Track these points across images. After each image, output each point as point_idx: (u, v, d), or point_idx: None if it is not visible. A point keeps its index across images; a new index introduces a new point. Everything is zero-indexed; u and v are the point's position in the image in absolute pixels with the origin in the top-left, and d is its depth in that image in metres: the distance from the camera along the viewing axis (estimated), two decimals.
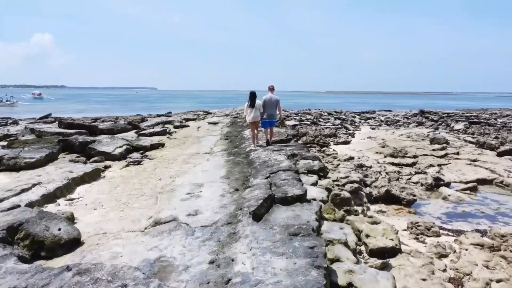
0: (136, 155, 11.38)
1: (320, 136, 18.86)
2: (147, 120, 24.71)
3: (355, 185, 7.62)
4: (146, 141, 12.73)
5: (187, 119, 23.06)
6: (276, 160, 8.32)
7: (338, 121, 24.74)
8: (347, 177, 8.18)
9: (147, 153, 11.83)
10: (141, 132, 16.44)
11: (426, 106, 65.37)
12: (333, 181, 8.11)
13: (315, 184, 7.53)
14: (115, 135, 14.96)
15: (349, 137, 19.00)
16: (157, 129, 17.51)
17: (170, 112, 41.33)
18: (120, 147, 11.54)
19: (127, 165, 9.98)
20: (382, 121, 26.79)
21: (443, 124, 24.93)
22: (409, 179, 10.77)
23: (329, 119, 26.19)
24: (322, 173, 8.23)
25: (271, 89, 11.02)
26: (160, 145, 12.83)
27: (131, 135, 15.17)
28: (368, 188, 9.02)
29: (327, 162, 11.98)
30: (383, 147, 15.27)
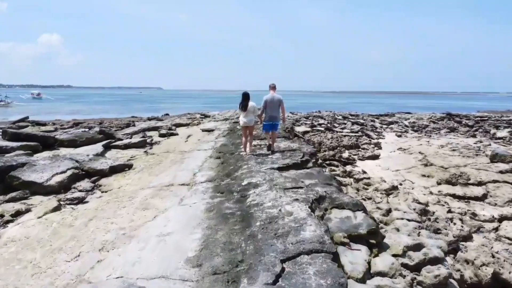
0: (84, 185, 7.82)
1: (339, 147, 15.18)
2: (133, 125, 21.23)
3: (441, 276, 3.96)
4: (106, 162, 9.12)
5: (178, 125, 19.50)
6: (291, 216, 4.71)
7: (356, 127, 21.03)
8: (418, 245, 4.54)
9: (103, 180, 8.26)
10: (113, 144, 12.91)
11: (440, 107, 61.30)
12: (394, 255, 4.46)
13: (367, 272, 3.91)
14: (76, 148, 11.42)
15: (375, 148, 15.28)
16: (136, 139, 13.96)
17: (167, 114, 37.90)
18: (62, 172, 7.97)
19: (57, 208, 6.38)
20: (407, 126, 23.02)
21: (481, 130, 21.12)
22: (496, 230, 7.07)
23: (345, 123, 22.50)
24: (374, 239, 4.59)
25: (273, 87, 9.59)
26: (126, 167, 9.23)
27: (96, 148, 11.61)
28: (450, 261, 5.36)
29: (361, 196, 8.32)
30: (426, 165, 11.60)
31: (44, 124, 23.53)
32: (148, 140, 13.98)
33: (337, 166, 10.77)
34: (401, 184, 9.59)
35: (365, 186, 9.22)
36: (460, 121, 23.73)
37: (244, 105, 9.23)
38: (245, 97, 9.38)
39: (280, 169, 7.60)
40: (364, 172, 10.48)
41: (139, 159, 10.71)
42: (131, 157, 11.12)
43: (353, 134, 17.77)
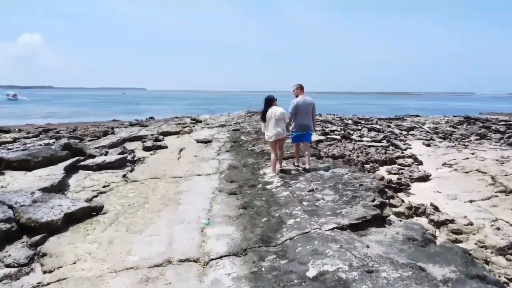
0: (16, 254, 4.59)
1: (370, 162, 12.17)
2: (112, 133, 17.76)
3: None
4: (60, 206, 5.74)
5: (166, 133, 16.17)
6: None
7: (374, 134, 18.04)
8: None
9: (51, 242, 4.97)
10: (82, 164, 9.62)
11: (432, 108, 59.18)
12: None
13: None
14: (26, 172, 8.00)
15: (416, 164, 12.25)
16: (113, 156, 10.63)
17: (152, 117, 34.48)
18: None
19: None
20: (428, 132, 20.15)
21: None
22: None
23: (359, 129, 19.49)
24: None
25: (301, 88, 7.95)
26: (92, 211, 5.92)
27: (54, 173, 8.23)
28: None
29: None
30: (505, 192, 8.65)
31: (7, 131, 19.87)
32: (129, 157, 10.66)
33: (392, 197, 7.65)
34: (498, 229, 6.58)
35: (456, 237, 6.15)
36: (489, 126, 21.02)
37: (264, 114, 7.48)
38: (269, 102, 7.56)
39: (353, 227, 4.43)
40: (436, 208, 7.41)
41: (115, 191, 7.41)
42: (104, 187, 7.83)
43: (379, 145, 14.74)
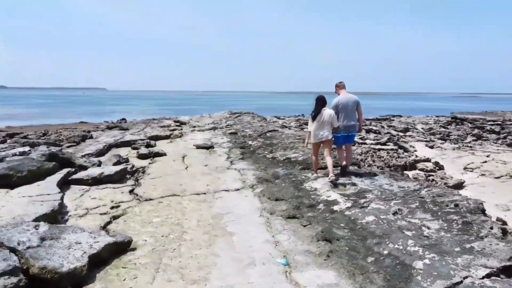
0: None
1: (389, 166, 11.25)
2: (90, 137, 15.89)
3: None
4: (80, 246, 4.26)
5: (156, 137, 14.55)
6: None
7: (374, 136, 17.27)
8: None
9: None
10: (74, 178, 8.04)
11: (409, 108, 60.17)
12: None
13: None
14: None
15: (437, 169, 11.45)
16: (108, 166, 9.05)
17: (123, 119, 32.34)
18: None
19: None
20: (422, 133, 19.69)
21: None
22: None
23: None
24: None
25: (343, 87, 7.32)
26: (121, 247, 4.46)
27: (47, 192, 6.59)
28: None
29: None
30: None
31: None
32: (129, 168, 9.09)
33: None
34: None
35: None
36: (482, 126, 20.90)
37: (316, 114, 7.01)
38: (320, 102, 7.10)
39: (505, 271, 3.31)
40: (504, 223, 6.50)
41: (131, 215, 5.95)
42: (113, 208, 6.36)
43: (389, 148, 13.91)
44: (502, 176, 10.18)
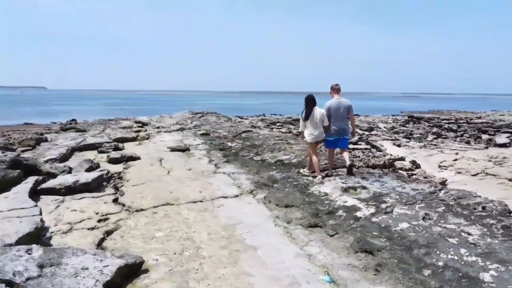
0: None
1: (368, 166, 11.19)
2: (45, 140, 14.48)
3: None
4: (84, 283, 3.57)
5: (122, 140, 13.55)
6: None
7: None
8: None
9: None
10: (44, 187, 7.13)
11: (360, 108, 62.02)
12: None
13: None
14: None
15: (414, 168, 11.60)
16: (83, 174, 8.07)
17: (74, 120, 30.33)
18: None
19: None
20: (386, 131, 20.17)
21: (468, 136, 19.15)
22: None
23: None
24: None
25: (337, 90, 7.34)
26: (126, 275, 3.82)
27: (23, 205, 5.64)
28: None
29: None
30: None
31: None
32: (104, 174, 8.22)
33: None
34: None
35: None
36: (441, 125, 21.81)
37: (308, 113, 7.01)
38: (311, 102, 7.08)
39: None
40: None
41: (126, 228, 5.26)
42: (100, 221, 5.62)
43: (363, 147, 13.97)
44: (478, 174, 10.53)
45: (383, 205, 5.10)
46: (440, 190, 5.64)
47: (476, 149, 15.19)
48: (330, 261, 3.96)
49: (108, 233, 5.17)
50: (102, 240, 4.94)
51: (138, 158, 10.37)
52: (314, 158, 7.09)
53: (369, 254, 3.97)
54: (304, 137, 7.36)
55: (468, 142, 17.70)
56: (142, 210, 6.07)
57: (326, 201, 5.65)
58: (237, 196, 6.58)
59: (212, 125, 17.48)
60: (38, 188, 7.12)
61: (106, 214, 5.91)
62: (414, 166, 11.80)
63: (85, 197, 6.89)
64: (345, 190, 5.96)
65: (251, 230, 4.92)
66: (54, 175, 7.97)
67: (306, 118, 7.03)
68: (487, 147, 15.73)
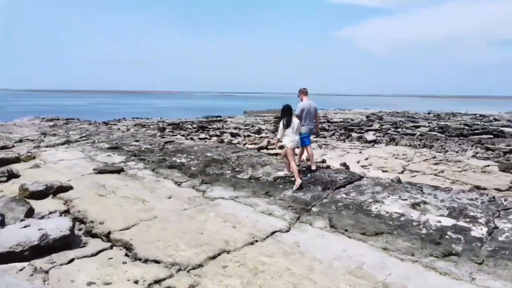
0: None
1: None
2: None
3: None
4: None
5: (3, 162, 9.99)
6: None
7: (237, 137, 17.20)
8: None
9: None
10: None
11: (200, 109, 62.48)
12: None
13: None
14: None
15: (347, 169, 12.18)
16: (49, 222, 5.52)
17: None
18: None
19: None
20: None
21: (339, 134, 21.35)
22: None
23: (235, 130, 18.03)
24: None
25: (305, 92, 8.48)
26: None
27: None
28: None
29: None
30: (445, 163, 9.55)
31: None
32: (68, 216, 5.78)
33: None
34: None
35: None
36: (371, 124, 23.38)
37: (289, 121, 7.53)
38: (289, 112, 7.63)
39: None
40: None
41: None
42: None
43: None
44: (404, 171, 11.66)
45: (481, 220, 5.02)
46: (487, 196, 5.94)
47: (363, 147, 16.95)
48: None
49: None
50: None
51: (70, 188, 7.78)
52: (293, 163, 7.47)
53: None
54: (283, 143, 7.73)
55: (344, 140, 19.64)
56: (200, 266, 4.44)
57: (413, 223, 5.22)
58: (290, 228, 5.52)
59: (105, 136, 14.62)
60: None
61: (154, 283, 4.11)
62: (345, 168, 12.35)
63: (74, 259, 4.74)
64: (413, 206, 5.67)
65: (403, 274, 4.10)
66: None
67: (288, 126, 7.46)
68: (368, 145, 17.80)
